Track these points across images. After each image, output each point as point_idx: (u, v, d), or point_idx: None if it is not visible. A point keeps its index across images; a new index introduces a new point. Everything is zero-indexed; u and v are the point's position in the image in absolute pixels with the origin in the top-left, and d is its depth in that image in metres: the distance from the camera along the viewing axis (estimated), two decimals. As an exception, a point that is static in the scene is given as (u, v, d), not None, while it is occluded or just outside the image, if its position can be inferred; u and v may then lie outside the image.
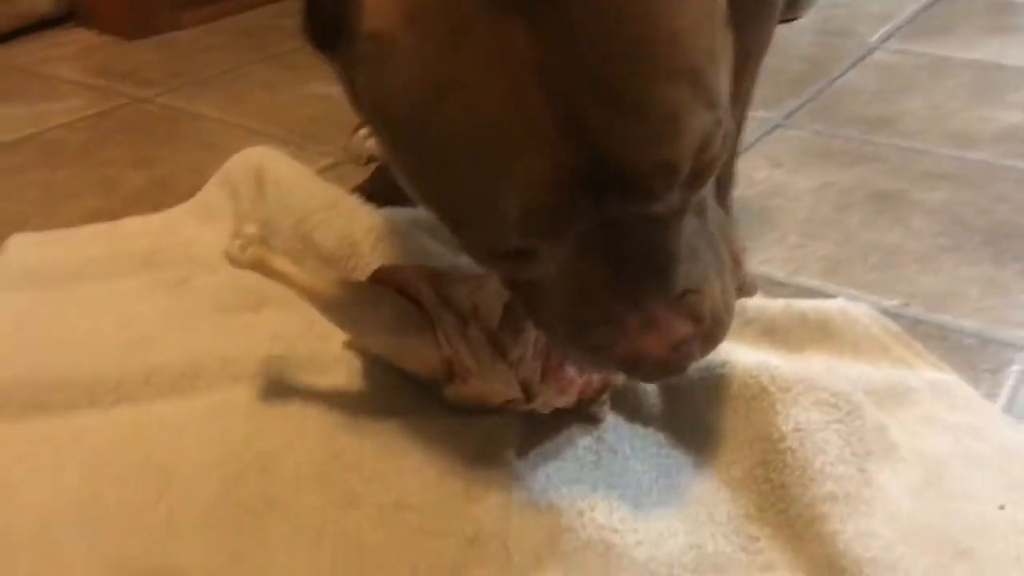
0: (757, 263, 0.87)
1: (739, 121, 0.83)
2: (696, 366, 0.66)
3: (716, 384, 0.66)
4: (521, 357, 0.60)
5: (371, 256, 0.80)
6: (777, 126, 1.18)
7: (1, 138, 1.20)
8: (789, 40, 1.47)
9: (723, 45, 0.49)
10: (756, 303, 0.76)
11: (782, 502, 0.59)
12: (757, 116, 1.20)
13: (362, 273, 0.80)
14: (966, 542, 0.56)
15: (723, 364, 0.66)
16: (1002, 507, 0.59)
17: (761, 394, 0.63)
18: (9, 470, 0.64)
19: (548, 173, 0.44)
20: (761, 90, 1.26)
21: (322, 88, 1.30)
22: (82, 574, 0.56)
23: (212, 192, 0.96)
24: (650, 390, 0.67)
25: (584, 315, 0.50)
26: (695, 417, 0.66)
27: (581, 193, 0.45)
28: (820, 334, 0.74)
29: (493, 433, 0.63)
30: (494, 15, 0.42)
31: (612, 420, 0.66)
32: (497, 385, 0.61)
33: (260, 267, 0.63)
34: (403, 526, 0.59)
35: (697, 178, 0.47)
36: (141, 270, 0.87)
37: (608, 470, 0.62)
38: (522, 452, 0.63)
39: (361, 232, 0.81)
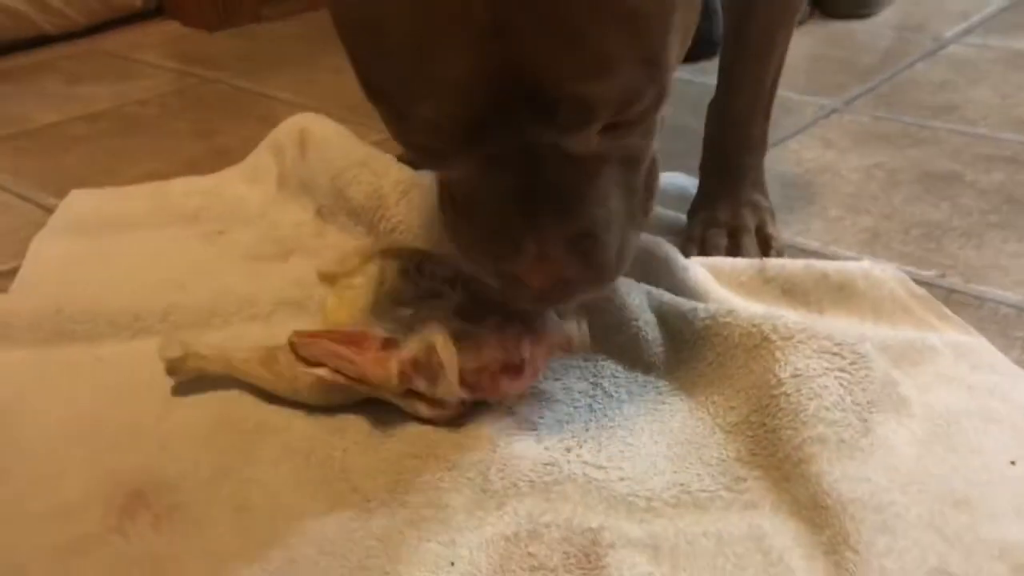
0: (792, 233, 0.85)
1: (766, 93, 0.82)
2: (701, 316, 0.65)
3: (719, 333, 0.64)
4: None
5: (396, 208, 0.81)
6: (834, 111, 1.15)
7: (82, 111, 1.26)
8: (861, 34, 1.44)
9: (683, 15, 0.48)
10: (777, 262, 0.75)
11: (772, 445, 0.57)
12: (815, 101, 1.18)
13: (387, 224, 0.81)
14: (966, 492, 0.53)
15: (728, 313, 0.65)
16: (1013, 463, 0.56)
17: (763, 343, 0.62)
18: (26, 390, 0.67)
19: (468, 81, 0.44)
20: (822, 79, 1.24)
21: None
22: (80, 480, 0.58)
23: (260, 155, 1.00)
24: (652, 338, 0.66)
25: (484, 227, 0.52)
26: (695, 366, 0.64)
27: (497, 109, 0.45)
28: (840, 294, 0.72)
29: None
30: None
31: (612, 368, 0.65)
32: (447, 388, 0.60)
33: (199, 371, 0.65)
34: (386, 452, 0.59)
35: (619, 128, 0.48)
36: (183, 223, 0.91)
37: (601, 412, 0.62)
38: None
39: (389, 186, 0.83)
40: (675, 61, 0.50)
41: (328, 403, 0.63)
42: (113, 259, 0.84)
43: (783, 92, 1.19)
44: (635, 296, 0.67)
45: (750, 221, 0.80)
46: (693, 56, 1.35)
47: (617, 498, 0.55)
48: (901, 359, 0.65)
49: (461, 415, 0.61)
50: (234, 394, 0.65)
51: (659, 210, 0.86)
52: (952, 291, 0.75)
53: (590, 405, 0.62)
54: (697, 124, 0.85)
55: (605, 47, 0.44)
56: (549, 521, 0.53)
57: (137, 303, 0.74)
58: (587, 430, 0.60)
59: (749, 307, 0.68)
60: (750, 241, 0.78)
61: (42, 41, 1.58)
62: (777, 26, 0.79)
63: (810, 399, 0.57)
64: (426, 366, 0.59)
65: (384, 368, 0.59)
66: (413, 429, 0.61)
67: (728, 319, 0.64)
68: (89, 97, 1.33)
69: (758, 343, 0.62)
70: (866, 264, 0.74)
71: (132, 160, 1.09)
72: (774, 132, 1.07)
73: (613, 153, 0.51)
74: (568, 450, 0.58)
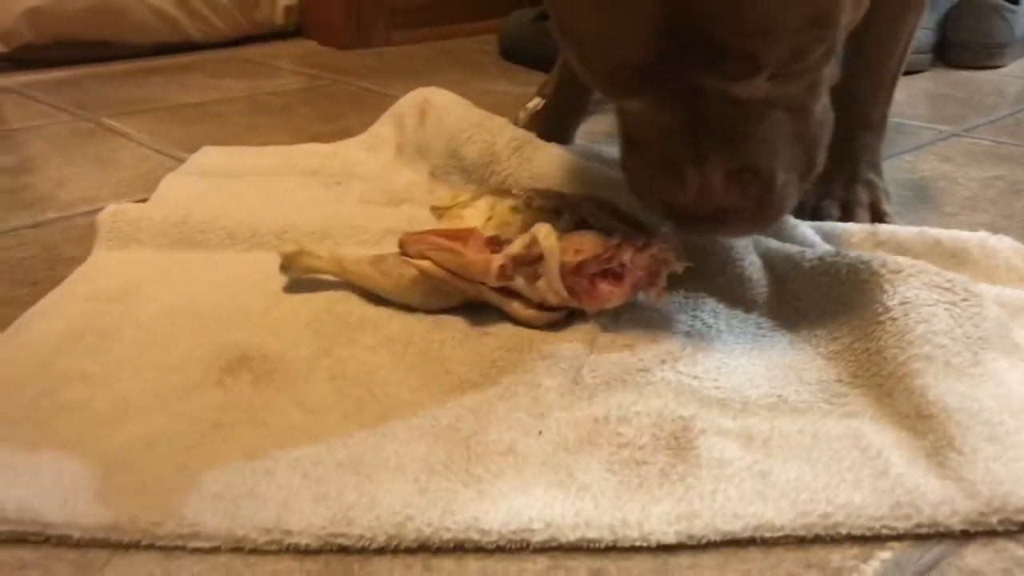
0: (904, 222, 0.83)
1: (890, 75, 0.82)
2: (808, 257, 0.65)
3: (826, 272, 0.63)
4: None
5: (508, 163, 0.83)
6: (954, 135, 1.13)
7: (219, 96, 1.34)
8: (985, 82, 1.42)
9: None
10: (888, 227, 0.73)
11: (876, 365, 0.55)
12: (934, 127, 1.16)
13: (497, 179, 0.84)
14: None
15: (836, 254, 0.64)
16: None
17: (871, 277, 0.60)
18: (146, 280, 0.70)
19: (644, 29, 0.49)
20: (943, 112, 1.23)
21: (504, 86, 1.38)
22: (187, 346, 0.60)
23: (380, 126, 1.04)
24: (756, 279, 0.65)
25: (654, 162, 0.55)
26: (799, 305, 0.63)
27: (669, 55, 0.49)
28: (953, 260, 0.70)
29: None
30: None
31: (712, 304, 0.65)
32: (543, 289, 0.61)
33: (309, 268, 0.68)
34: (483, 345, 0.60)
35: (784, 78, 0.51)
36: (303, 175, 0.95)
37: (699, 336, 0.61)
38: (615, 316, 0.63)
39: (502, 143, 0.85)
40: (847, 21, 0.52)
41: (429, 305, 0.64)
42: (237, 194, 0.88)
43: (901, 119, 1.19)
44: (741, 240, 0.67)
45: (864, 197, 0.79)
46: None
47: (711, 399, 0.54)
48: (1017, 314, 0.62)
49: (557, 321, 0.61)
50: (341, 294, 0.67)
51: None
52: (1074, 276, 0.72)
53: (687, 332, 0.62)
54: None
55: (776, 6, 0.47)
56: (640, 410, 0.52)
57: (256, 221, 0.78)
58: (684, 348, 0.59)
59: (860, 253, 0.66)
60: (863, 214, 0.77)
61: (189, 47, 1.70)
62: (908, 6, 0.79)
63: (918, 323, 0.55)
64: (527, 261, 0.60)
65: (486, 260, 0.60)
66: (511, 328, 0.61)
67: (836, 259, 0.63)
68: (227, 88, 1.41)
69: (866, 278, 0.61)
70: (982, 234, 0.72)
71: (262, 133, 1.15)
72: (889, 148, 1.07)
73: (779, 100, 0.53)
74: (663, 361, 0.58)
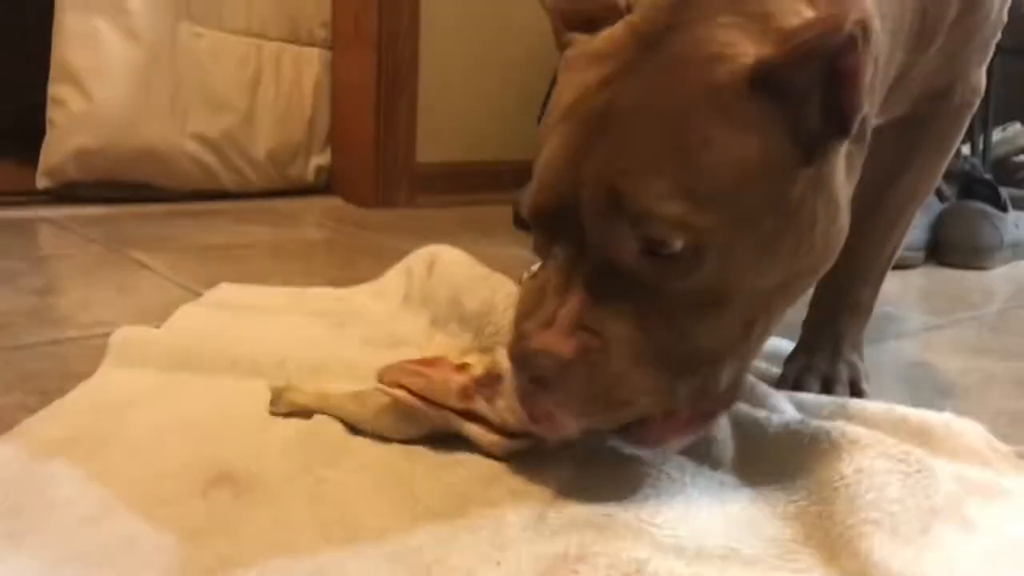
0: (881, 399, 0.87)
1: (882, 265, 0.87)
2: (774, 422, 0.68)
3: (789, 436, 0.66)
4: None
5: (503, 315, 0.88)
6: (938, 326, 1.18)
7: (242, 240, 1.42)
8: (975, 281, 1.48)
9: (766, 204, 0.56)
10: (859, 401, 0.77)
11: (827, 527, 0.57)
12: (921, 318, 1.21)
13: (492, 328, 0.88)
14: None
15: (800, 422, 0.67)
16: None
17: (831, 446, 0.64)
18: (146, 395, 0.75)
19: (558, 183, 0.57)
20: (931, 304, 1.28)
21: (514, 251, 1.45)
22: (176, 459, 0.64)
23: (390, 276, 1.10)
24: (723, 439, 0.68)
25: (524, 302, 0.61)
26: (762, 464, 0.66)
27: (570, 208, 0.57)
28: (918, 439, 0.72)
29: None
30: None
31: (679, 459, 0.68)
32: (504, 412, 0.64)
33: (295, 404, 0.72)
34: (453, 476, 0.63)
35: (658, 258, 0.55)
36: (311, 315, 1.00)
37: (664, 486, 0.64)
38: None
39: (500, 297, 0.90)
40: (732, 225, 0.55)
41: (400, 433, 0.67)
42: (245, 326, 0.93)
43: (892, 308, 1.24)
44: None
45: (844, 374, 0.83)
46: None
47: (667, 545, 0.56)
48: (973, 491, 0.65)
49: (520, 450, 0.64)
50: (327, 421, 0.70)
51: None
52: (1037, 463, 0.75)
53: (653, 482, 0.64)
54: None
55: (646, 178, 0.54)
56: (599, 551, 0.54)
57: (259, 352, 0.82)
58: (647, 496, 0.62)
59: (823, 422, 0.69)
60: (843, 390, 0.81)
61: (222, 196, 1.80)
62: (917, 193, 0.84)
63: (869, 490, 0.58)
64: (488, 383, 0.63)
65: (447, 380, 0.64)
66: (482, 461, 0.64)
67: (799, 426, 0.67)
68: (252, 234, 1.49)
69: (826, 446, 0.64)
70: (947, 415, 0.75)
71: (280, 277, 1.21)
72: (873, 334, 1.11)
73: (664, 288, 0.56)
74: (625, 508, 0.60)
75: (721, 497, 0.63)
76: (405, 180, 1.88)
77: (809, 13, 0.56)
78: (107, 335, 0.86)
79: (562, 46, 0.64)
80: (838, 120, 0.55)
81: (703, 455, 0.68)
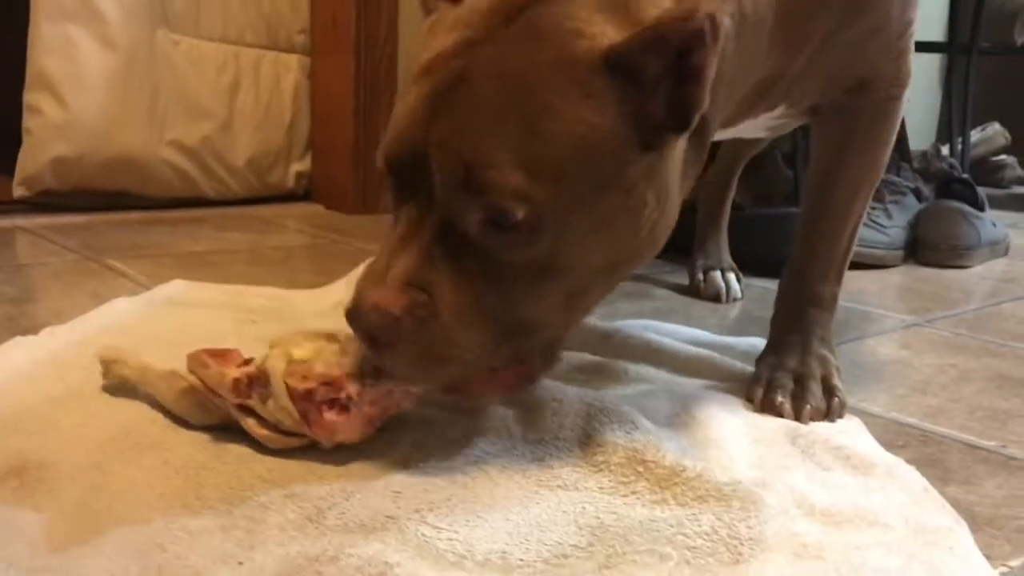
0: (856, 400, 0.87)
1: (841, 253, 0.87)
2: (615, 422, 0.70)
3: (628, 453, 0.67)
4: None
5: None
6: (915, 324, 1.18)
7: (221, 247, 1.42)
8: (953, 280, 1.49)
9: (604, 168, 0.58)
10: (812, 433, 0.75)
11: (610, 537, 0.57)
12: (897, 317, 1.22)
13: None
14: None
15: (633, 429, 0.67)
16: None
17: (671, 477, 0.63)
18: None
19: (399, 145, 0.60)
20: (909, 304, 1.28)
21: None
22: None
23: (337, 284, 1.12)
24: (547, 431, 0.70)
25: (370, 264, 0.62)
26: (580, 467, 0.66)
27: (413, 168, 0.59)
28: (855, 472, 0.69)
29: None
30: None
31: (486, 445, 0.67)
32: (278, 411, 0.64)
33: (120, 376, 0.74)
34: (247, 471, 0.63)
35: (499, 228, 0.57)
36: (232, 310, 1.02)
37: (471, 489, 0.62)
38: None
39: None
40: (568, 199, 0.57)
41: (196, 418, 0.69)
42: (154, 321, 0.96)
43: (869, 307, 1.24)
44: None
45: (817, 370, 0.82)
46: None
47: (432, 550, 0.54)
48: (845, 524, 0.61)
49: (293, 446, 0.64)
50: (153, 416, 0.71)
51: (724, 360, 0.91)
52: (1011, 458, 0.75)
53: (464, 483, 0.62)
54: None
55: (492, 148, 0.56)
56: (353, 552, 0.53)
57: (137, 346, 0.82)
58: (449, 499, 0.60)
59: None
60: (815, 386, 0.81)
61: (202, 203, 1.79)
62: (859, 186, 0.85)
63: (671, 526, 0.58)
64: (260, 382, 0.64)
65: (223, 373, 0.65)
66: (280, 459, 0.64)
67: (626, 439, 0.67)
68: (231, 240, 1.49)
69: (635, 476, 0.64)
70: (893, 459, 0.71)
71: (257, 283, 1.20)
72: (851, 332, 1.12)
73: (497, 255, 0.58)
74: (418, 511, 0.58)
75: (523, 498, 0.61)
76: (384, 184, 1.87)
77: (667, 4, 0.59)
78: (80, 342, 0.86)
79: (427, 11, 0.66)
80: (680, 113, 0.58)
81: (532, 456, 0.67)
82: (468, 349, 0.59)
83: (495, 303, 0.59)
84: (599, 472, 0.65)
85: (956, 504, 0.66)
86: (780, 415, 0.78)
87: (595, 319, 1.00)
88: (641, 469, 0.64)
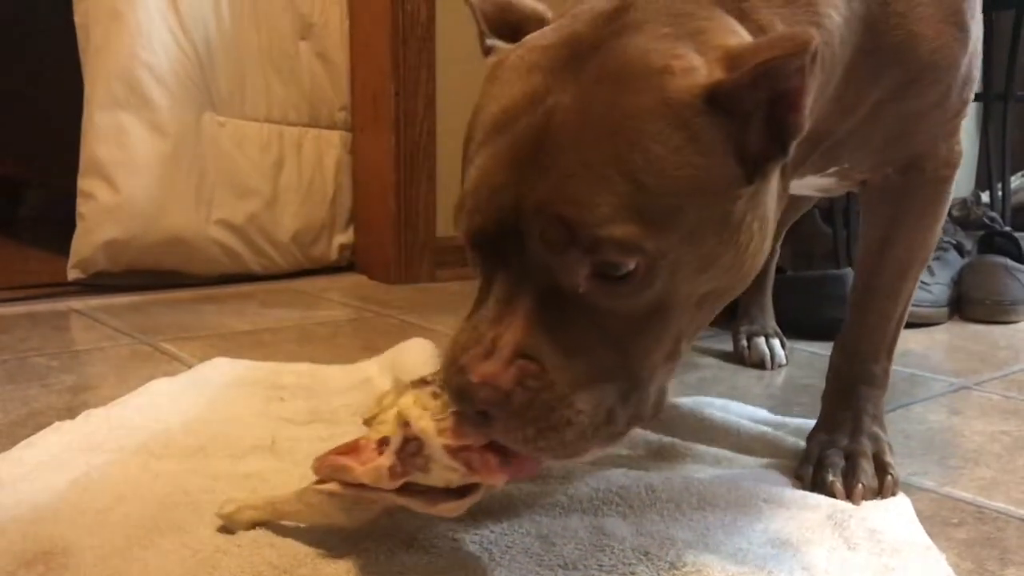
0: (907, 474, 0.87)
1: (891, 331, 0.87)
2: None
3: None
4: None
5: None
6: (964, 387, 1.17)
7: (269, 324, 1.45)
8: (1001, 337, 1.47)
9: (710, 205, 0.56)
10: (852, 516, 0.74)
11: None
12: (946, 379, 1.20)
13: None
14: None
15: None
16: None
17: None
18: (26, 472, 0.79)
19: (493, 203, 0.55)
20: (956, 365, 1.27)
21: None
22: (7, 540, 0.67)
23: (369, 362, 1.15)
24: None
25: (464, 325, 0.58)
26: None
27: (508, 228, 0.55)
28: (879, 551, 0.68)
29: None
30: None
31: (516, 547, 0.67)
32: (443, 472, 0.61)
33: (252, 521, 0.69)
34: (260, 558, 0.64)
35: (607, 280, 0.54)
36: (266, 388, 1.05)
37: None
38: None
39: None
40: (680, 243, 0.55)
41: (356, 521, 0.66)
42: (188, 402, 0.99)
43: (916, 370, 1.23)
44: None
45: (868, 448, 0.82)
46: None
47: None
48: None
49: (465, 503, 0.61)
50: (172, 500, 0.73)
51: (778, 435, 0.90)
52: (1070, 533, 0.74)
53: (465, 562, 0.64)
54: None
55: (600, 203, 0.53)
56: None
57: (175, 433, 0.87)
58: None
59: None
60: (867, 464, 0.80)
61: (248, 278, 1.83)
62: (910, 265, 0.86)
63: None
64: (413, 451, 0.60)
65: (375, 468, 0.61)
66: (292, 542, 0.66)
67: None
68: (278, 317, 1.52)
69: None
70: (925, 543, 0.70)
71: (305, 360, 1.23)
72: (899, 397, 1.11)
73: (609, 314, 0.56)
74: None
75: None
76: (426, 255, 1.90)
77: (743, 32, 0.58)
78: (139, 434, 0.88)
79: (485, 52, 0.63)
80: (779, 140, 0.56)
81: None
82: (584, 411, 0.56)
83: (608, 358, 0.56)
84: (601, 551, 0.65)
85: (1016, 587, 0.66)
86: (832, 495, 0.77)
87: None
88: (641, 555, 0.64)
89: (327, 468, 0.65)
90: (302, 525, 0.68)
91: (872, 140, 0.78)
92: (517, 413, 0.55)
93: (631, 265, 0.54)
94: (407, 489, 0.62)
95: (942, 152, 0.82)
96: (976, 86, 0.82)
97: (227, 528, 0.68)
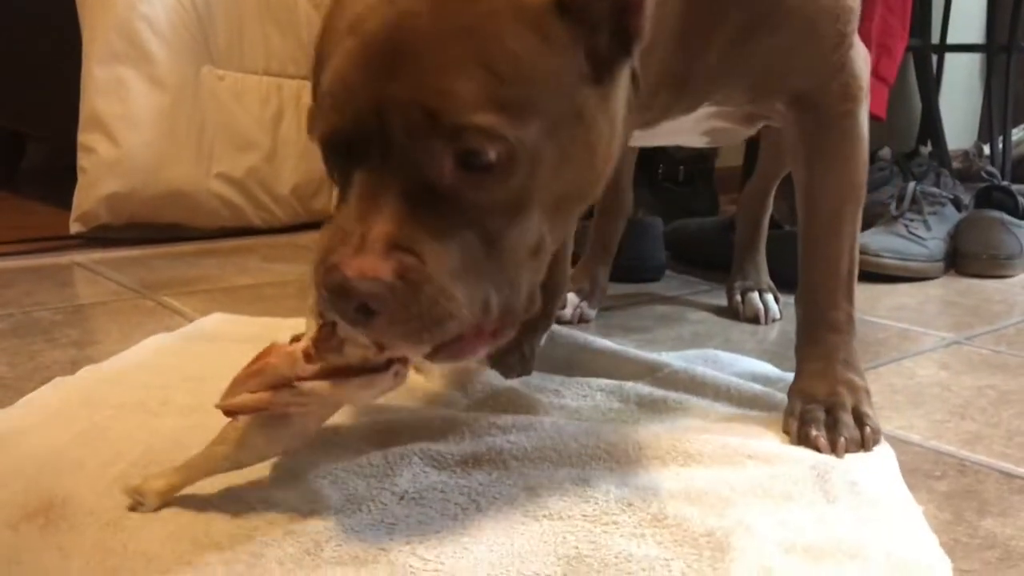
0: (893, 427, 0.89)
1: (842, 275, 0.88)
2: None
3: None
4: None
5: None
6: (955, 342, 1.19)
7: (270, 279, 1.46)
8: (994, 291, 1.48)
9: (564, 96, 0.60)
10: (824, 459, 0.76)
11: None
12: (937, 334, 1.22)
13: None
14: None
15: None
16: None
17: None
18: (37, 423, 0.82)
19: (356, 102, 0.57)
20: (949, 319, 1.29)
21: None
22: (10, 491, 0.69)
23: None
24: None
25: (332, 226, 0.59)
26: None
27: (374, 127, 0.57)
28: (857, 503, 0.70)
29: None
30: None
31: (496, 488, 0.70)
32: (357, 351, 0.62)
33: (164, 493, 0.67)
34: (254, 516, 0.66)
35: (472, 172, 0.57)
36: (263, 345, 1.02)
37: (461, 520, 0.66)
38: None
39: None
40: (538, 135, 0.58)
41: (277, 449, 0.67)
42: (190, 358, 1.01)
43: (908, 325, 1.25)
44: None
45: (847, 399, 0.84)
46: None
47: None
48: (826, 558, 0.62)
49: (384, 380, 0.63)
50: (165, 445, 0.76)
51: (768, 390, 0.92)
52: (1048, 486, 0.77)
53: (454, 515, 0.66)
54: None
55: (462, 91, 0.55)
56: None
57: (174, 390, 0.89)
58: (438, 531, 0.64)
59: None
60: (846, 416, 0.82)
61: (249, 232, 1.84)
62: (841, 207, 0.87)
63: (643, 569, 0.60)
64: (326, 336, 0.61)
65: (292, 355, 0.63)
66: (284, 492, 0.68)
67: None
68: (279, 272, 1.53)
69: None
70: (903, 494, 0.72)
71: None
72: (890, 352, 1.13)
73: (472, 209, 0.58)
74: (408, 542, 0.62)
75: (509, 528, 0.65)
76: (427, 209, 1.91)
77: None
78: (142, 388, 0.90)
79: None
80: (624, 43, 0.62)
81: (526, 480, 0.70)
82: (464, 304, 0.57)
83: (480, 251, 0.58)
84: (586, 502, 0.67)
85: (992, 538, 0.68)
86: (817, 449, 0.79)
87: (643, 350, 1.03)
88: (625, 506, 0.67)
89: (237, 385, 0.64)
90: (232, 471, 0.67)
91: (738, 76, 0.80)
92: (401, 306, 0.55)
93: (493, 154, 0.57)
94: (322, 374, 0.62)
95: (834, 87, 0.83)
96: (856, 17, 0.82)
97: (216, 486, 0.68)
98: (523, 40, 0.57)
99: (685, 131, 0.93)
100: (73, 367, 1.00)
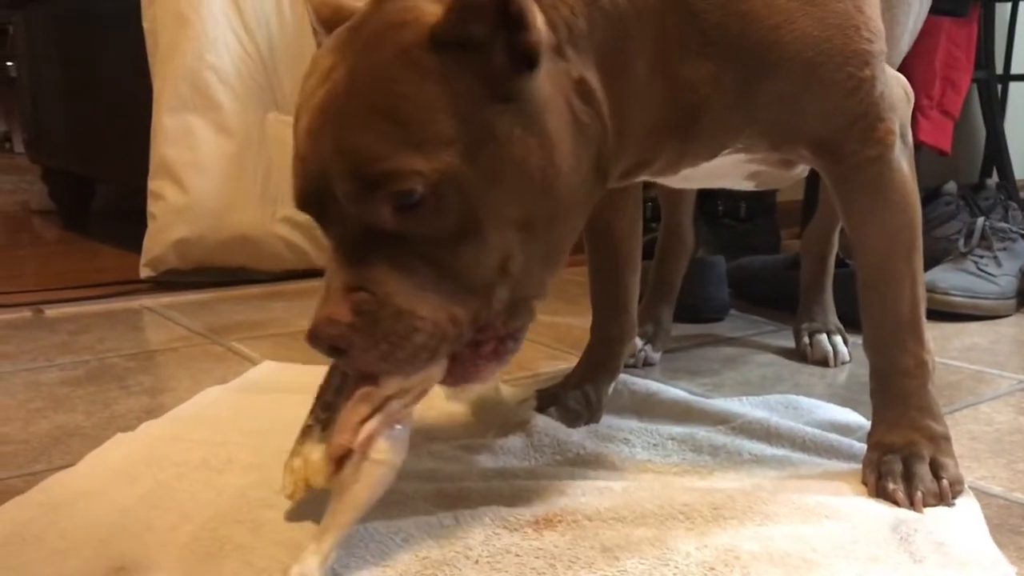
0: (975, 478, 0.86)
1: (904, 318, 0.84)
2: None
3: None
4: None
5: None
6: (1033, 385, 1.16)
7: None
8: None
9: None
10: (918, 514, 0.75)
11: None
12: (1013, 376, 1.19)
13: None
14: None
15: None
16: None
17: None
18: (93, 488, 0.82)
19: (308, 172, 0.66)
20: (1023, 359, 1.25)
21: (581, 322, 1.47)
22: (83, 557, 0.70)
23: None
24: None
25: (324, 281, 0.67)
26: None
27: (325, 192, 0.64)
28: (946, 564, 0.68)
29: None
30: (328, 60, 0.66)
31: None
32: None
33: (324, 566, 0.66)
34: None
35: (410, 210, 0.62)
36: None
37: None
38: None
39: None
40: (455, 161, 0.62)
41: (403, 454, 0.68)
42: (249, 412, 1.01)
43: (981, 367, 1.22)
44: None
45: (924, 449, 0.81)
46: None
47: None
48: None
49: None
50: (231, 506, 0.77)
51: (836, 438, 0.90)
52: None
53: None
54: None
55: (372, 146, 0.62)
56: None
57: (237, 446, 0.90)
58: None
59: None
60: (923, 468, 0.79)
61: (313, 274, 1.86)
62: (893, 253, 0.83)
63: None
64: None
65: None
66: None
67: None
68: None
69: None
70: (995, 555, 0.70)
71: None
72: (965, 396, 1.10)
73: (419, 237, 0.64)
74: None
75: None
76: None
77: None
78: (216, 438, 0.92)
79: (318, 45, 0.71)
80: (523, 57, 0.64)
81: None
82: (423, 316, 0.64)
83: (434, 276, 0.64)
84: (665, 565, 0.66)
85: (1087, 601, 0.65)
86: (895, 503, 0.77)
87: (717, 399, 1.01)
88: (707, 570, 0.65)
89: (350, 429, 0.65)
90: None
91: (751, 123, 0.78)
92: (365, 335, 0.63)
93: (418, 191, 0.62)
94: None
95: (855, 133, 0.80)
96: (876, 58, 0.77)
97: (287, 545, 0.69)
98: (409, 82, 0.62)
99: (723, 175, 0.91)
100: (147, 415, 1.02)
